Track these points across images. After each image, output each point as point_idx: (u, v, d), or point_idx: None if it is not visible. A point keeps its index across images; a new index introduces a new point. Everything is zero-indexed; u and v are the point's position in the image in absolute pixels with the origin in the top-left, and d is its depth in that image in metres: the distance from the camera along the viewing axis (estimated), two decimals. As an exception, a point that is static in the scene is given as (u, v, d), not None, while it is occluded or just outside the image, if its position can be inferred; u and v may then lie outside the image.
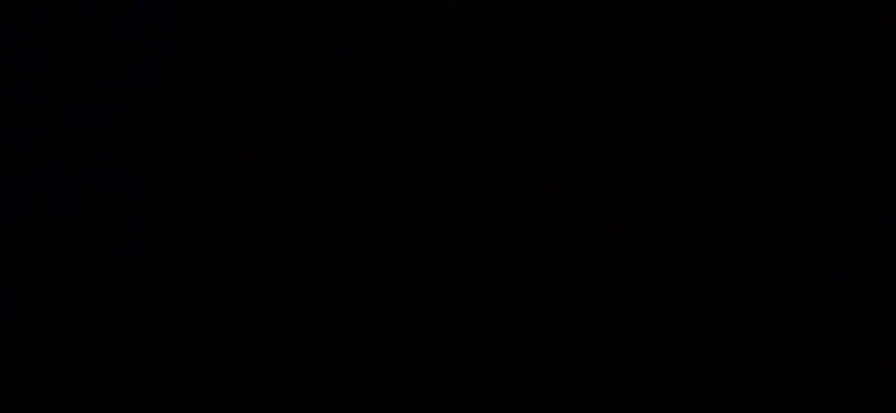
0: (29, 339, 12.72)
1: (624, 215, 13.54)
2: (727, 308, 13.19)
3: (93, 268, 12.97)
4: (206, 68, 14.72)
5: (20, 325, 12.68)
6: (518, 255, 14.01)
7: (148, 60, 14.30)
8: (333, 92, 14.74)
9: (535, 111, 14.16)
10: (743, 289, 13.07)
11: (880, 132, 12.64)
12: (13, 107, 12.83)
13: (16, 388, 12.18)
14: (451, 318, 13.83)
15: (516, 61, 14.27)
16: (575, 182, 13.73)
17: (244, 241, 13.94)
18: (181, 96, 14.45)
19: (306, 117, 14.72)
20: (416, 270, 13.72)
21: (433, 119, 14.55)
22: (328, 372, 13.25)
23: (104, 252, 12.92)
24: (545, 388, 13.07)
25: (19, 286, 12.71)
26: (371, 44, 14.76)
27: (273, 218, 14.47)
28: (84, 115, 13.94)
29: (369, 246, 14.08)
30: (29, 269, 12.82)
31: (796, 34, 13.20)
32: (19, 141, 12.84)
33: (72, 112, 13.51)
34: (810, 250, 12.55)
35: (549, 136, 14.04)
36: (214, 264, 13.78)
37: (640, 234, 13.40)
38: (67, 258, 12.79)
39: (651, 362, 13.31)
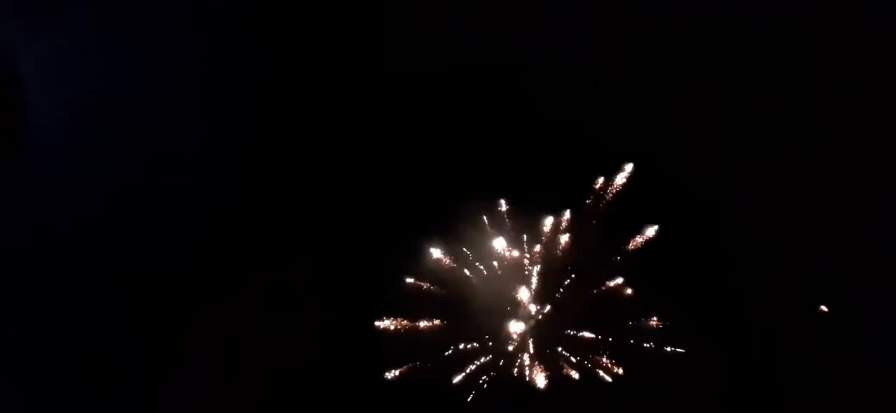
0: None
1: (624, 213, 13.46)
2: (727, 307, 13.07)
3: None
4: (205, 72, 14.51)
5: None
6: (515, 251, 13.84)
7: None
8: (333, 92, 14.54)
9: (536, 111, 14.04)
10: (743, 288, 12.97)
11: (880, 132, 12.54)
12: None
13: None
14: (452, 318, 13.68)
15: (517, 61, 14.13)
16: (575, 180, 13.64)
17: (244, 235, 13.80)
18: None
19: (304, 118, 14.51)
20: (416, 267, 13.58)
21: (434, 119, 14.37)
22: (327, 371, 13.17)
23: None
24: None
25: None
26: (371, 44, 14.57)
27: (273, 218, 14.26)
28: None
29: (367, 245, 13.92)
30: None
31: (796, 35, 13.10)
32: None
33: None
34: (810, 250, 12.48)
35: (549, 136, 13.92)
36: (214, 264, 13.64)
37: (640, 232, 13.32)
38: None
39: (651, 360, 13.16)
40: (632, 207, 13.82)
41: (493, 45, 14.31)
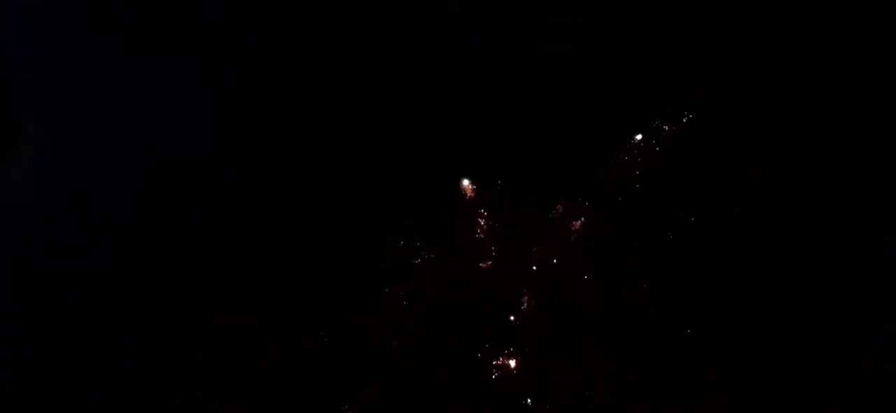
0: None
1: (624, 214, 13.52)
2: (726, 307, 13.14)
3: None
4: (207, 75, 14.61)
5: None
6: (515, 251, 13.92)
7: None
8: (332, 92, 14.65)
9: (536, 111, 14.13)
10: (743, 288, 13.03)
11: (880, 133, 12.62)
12: None
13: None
14: (454, 318, 13.75)
15: (518, 62, 14.23)
16: (575, 179, 13.73)
17: (247, 232, 13.90)
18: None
19: (304, 118, 14.62)
20: (415, 266, 13.66)
21: (434, 119, 14.47)
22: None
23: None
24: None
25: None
26: (371, 44, 14.69)
27: (273, 218, 14.36)
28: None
29: (366, 245, 14.02)
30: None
31: (796, 35, 13.18)
32: None
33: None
34: (810, 250, 12.55)
35: (550, 135, 14.01)
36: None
37: (641, 231, 13.39)
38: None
39: (651, 360, 13.25)
40: (631, 206, 13.90)
41: (493, 45, 14.37)
